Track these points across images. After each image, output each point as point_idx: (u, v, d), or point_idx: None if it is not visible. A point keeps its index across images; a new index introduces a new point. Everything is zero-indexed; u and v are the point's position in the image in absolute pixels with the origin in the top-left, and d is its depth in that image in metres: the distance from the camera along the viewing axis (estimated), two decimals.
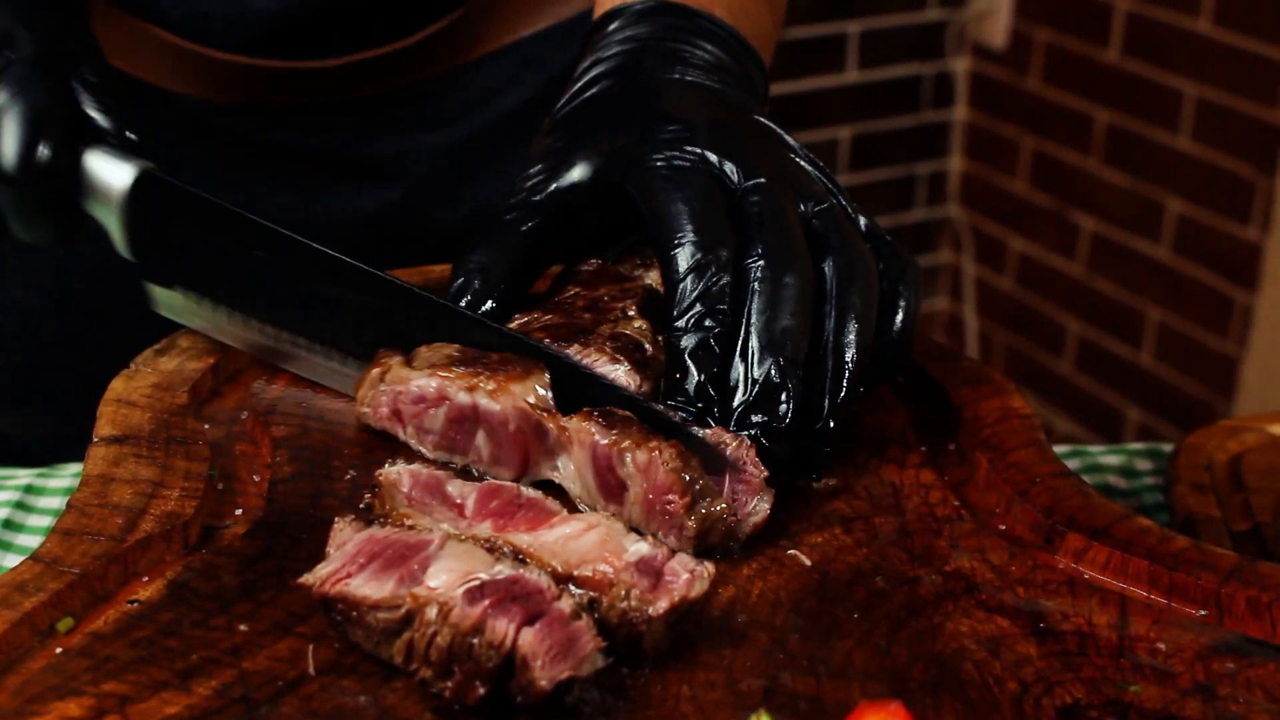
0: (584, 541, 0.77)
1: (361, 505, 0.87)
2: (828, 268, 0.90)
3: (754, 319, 0.87)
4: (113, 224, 0.96)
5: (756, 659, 0.76)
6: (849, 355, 0.89)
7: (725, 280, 0.87)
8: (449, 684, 0.70)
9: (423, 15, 1.24)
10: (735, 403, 0.86)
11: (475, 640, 0.70)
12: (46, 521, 1.02)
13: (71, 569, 0.79)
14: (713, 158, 0.92)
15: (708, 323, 0.86)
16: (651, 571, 0.76)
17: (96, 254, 1.00)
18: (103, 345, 0.98)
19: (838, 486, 0.91)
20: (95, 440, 0.90)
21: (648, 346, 0.91)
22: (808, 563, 0.83)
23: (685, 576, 0.75)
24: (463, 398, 0.88)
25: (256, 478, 0.90)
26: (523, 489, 0.82)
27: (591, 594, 0.74)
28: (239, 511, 0.87)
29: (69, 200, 0.95)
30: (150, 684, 0.72)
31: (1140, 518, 0.88)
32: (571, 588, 0.75)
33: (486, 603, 0.71)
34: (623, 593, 0.74)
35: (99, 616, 0.78)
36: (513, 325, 0.93)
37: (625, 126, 0.94)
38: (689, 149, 0.91)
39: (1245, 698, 0.76)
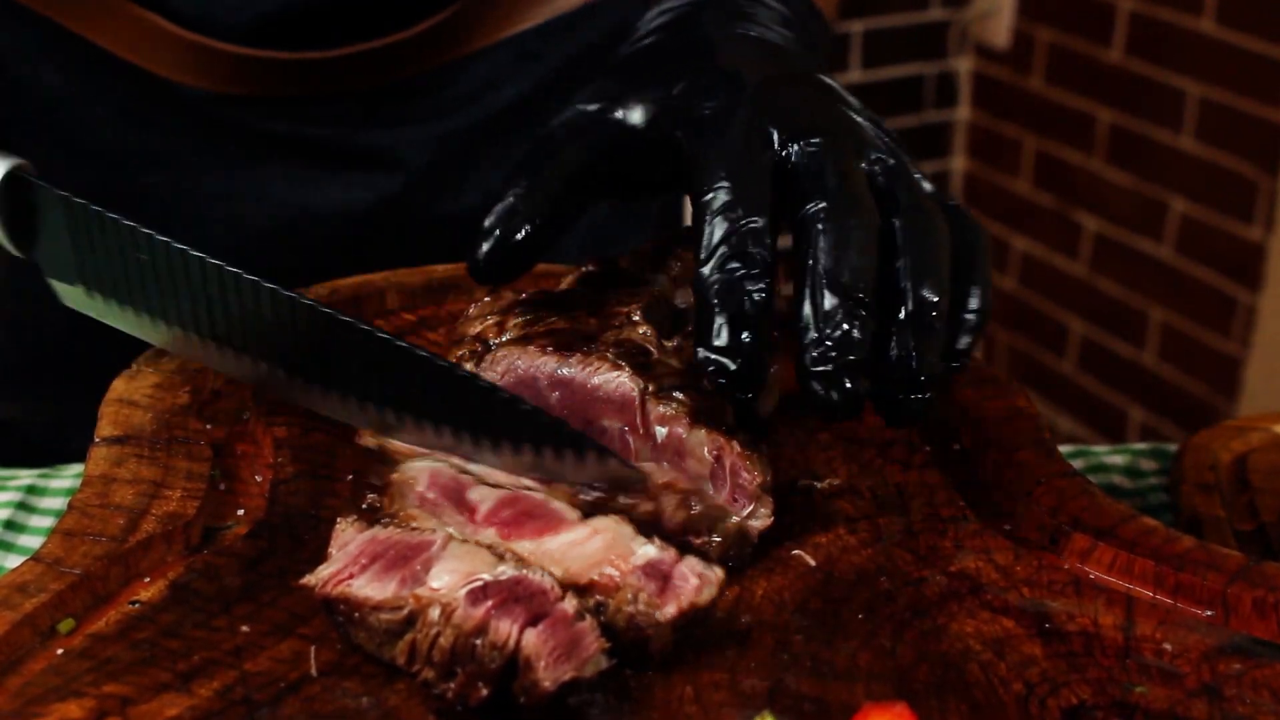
0: (588, 547, 0.76)
1: (364, 506, 0.86)
2: (896, 224, 0.85)
3: (820, 258, 0.81)
4: None
5: (761, 660, 0.76)
6: (934, 301, 0.83)
7: (758, 223, 0.82)
8: (451, 685, 0.70)
9: (425, 5, 1.24)
10: (806, 340, 0.80)
11: (478, 641, 0.69)
12: (48, 522, 1.02)
13: (73, 570, 0.78)
14: (763, 115, 0.87)
15: (732, 265, 0.82)
16: (659, 575, 0.75)
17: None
18: (109, 335, 0.97)
19: (842, 486, 0.91)
20: (96, 440, 0.90)
21: (652, 350, 0.89)
22: (812, 563, 0.83)
23: (694, 581, 0.74)
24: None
25: (259, 478, 0.90)
26: (536, 495, 0.81)
27: (598, 598, 0.74)
28: (241, 512, 0.87)
29: None
30: (151, 685, 0.72)
31: (1146, 518, 0.87)
32: (572, 594, 0.73)
33: (489, 604, 0.70)
34: (630, 596, 0.73)
35: (100, 617, 0.77)
36: (518, 324, 0.92)
37: (679, 77, 0.91)
38: (739, 107, 0.88)
39: (1251, 699, 0.76)
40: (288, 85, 1.23)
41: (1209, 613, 0.82)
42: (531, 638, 0.69)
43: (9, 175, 0.94)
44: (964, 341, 0.86)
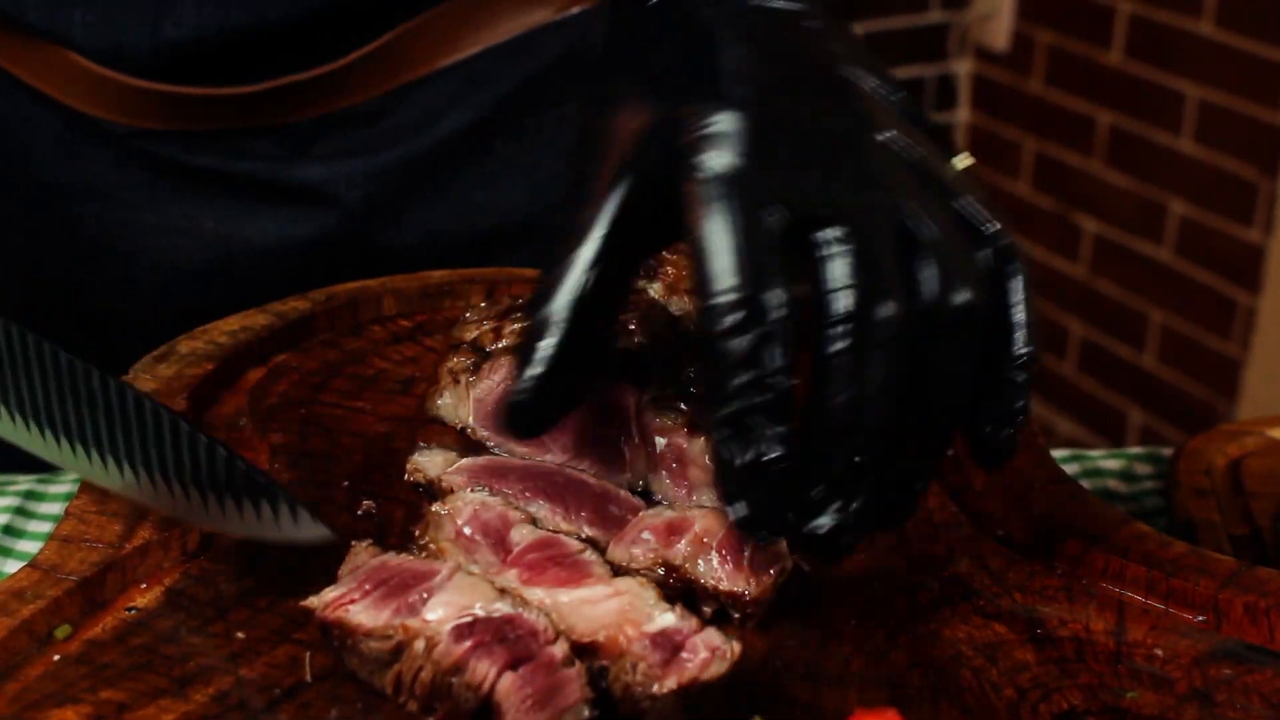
0: (603, 607, 0.73)
1: (360, 512, 0.87)
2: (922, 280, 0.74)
3: (835, 414, 0.72)
4: None
5: (754, 665, 0.76)
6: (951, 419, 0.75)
7: (772, 331, 0.70)
8: None
9: (347, 40, 1.19)
10: (807, 491, 0.73)
11: (454, 680, 0.69)
12: (47, 528, 1.03)
13: (70, 576, 0.79)
14: (769, 178, 0.74)
15: (754, 420, 0.71)
16: (669, 645, 0.71)
17: (95, 259, 1.00)
18: (98, 349, 0.97)
19: None
20: None
21: (648, 362, 0.90)
22: (805, 569, 0.83)
23: (703, 655, 0.70)
24: None
25: None
26: (575, 545, 0.78)
27: (601, 662, 0.71)
28: None
29: None
30: (148, 691, 0.72)
31: (1138, 523, 0.88)
32: (564, 639, 0.71)
33: (470, 642, 0.69)
34: (629, 665, 0.70)
35: (97, 624, 0.78)
36: (514, 330, 0.92)
37: (672, 90, 0.78)
38: (738, 160, 0.73)
39: (1242, 704, 0.76)
40: (206, 120, 1.20)
41: (1201, 618, 0.82)
42: (507, 681, 0.68)
43: None
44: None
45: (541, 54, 1.27)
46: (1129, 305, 3.48)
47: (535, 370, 0.77)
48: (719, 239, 0.71)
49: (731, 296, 0.70)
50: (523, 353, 0.78)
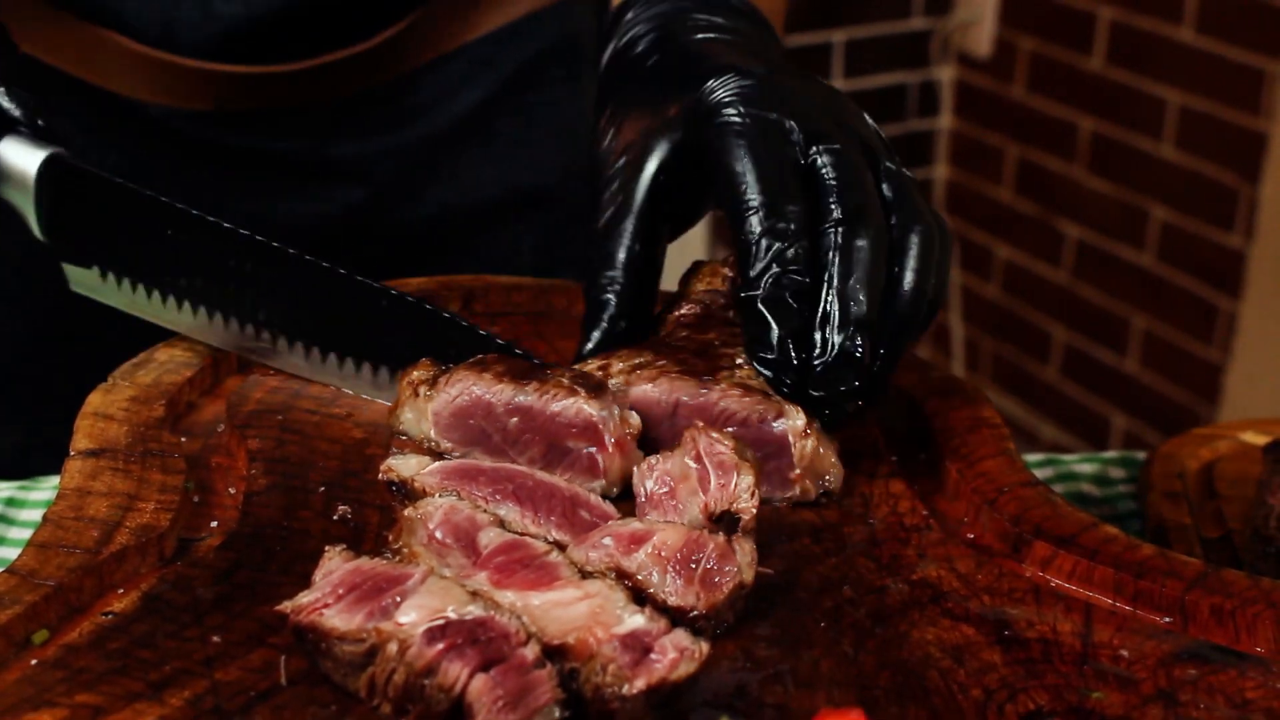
0: (573, 609, 0.74)
1: (335, 517, 0.88)
2: (894, 226, 0.92)
3: (834, 283, 0.89)
4: (27, 207, 0.99)
5: (724, 668, 0.77)
6: (912, 316, 0.92)
7: (800, 244, 0.89)
8: None
9: (382, 17, 1.25)
10: (815, 363, 0.89)
11: (427, 681, 0.69)
12: (27, 534, 1.03)
13: (47, 581, 0.79)
14: (782, 112, 0.92)
15: (785, 280, 0.89)
16: (638, 647, 0.72)
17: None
18: (75, 357, 0.99)
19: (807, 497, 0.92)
20: (72, 454, 0.91)
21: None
22: (770, 572, 0.84)
23: (672, 656, 0.71)
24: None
25: (232, 490, 0.91)
26: (542, 547, 0.79)
27: (570, 664, 0.72)
28: (214, 524, 0.88)
29: None
30: (123, 695, 0.73)
31: (1107, 526, 0.89)
32: (535, 641, 0.72)
33: (442, 644, 0.70)
34: (599, 667, 0.71)
35: (74, 628, 0.78)
36: (629, 366, 0.94)
37: (685, 87, 0.96)
38: (756, 101, 0.92)
39: (1206, 704, 0.77)
40: (250, 99, 1.24)
41: (1168, 619, 0.83)
42: (479, 683, 0.69)
43: (49, 160, 0.98)
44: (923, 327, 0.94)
45: (539, 38, 1.35)
46: (1111, 310, 3.49)
47: (601, 328, 0.96)
48: (748, 165, 0.90)
49: (760, 203, 0.90)
50: (589, 312, 0.96)
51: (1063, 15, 3.45)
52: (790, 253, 0.89)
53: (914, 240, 0.92)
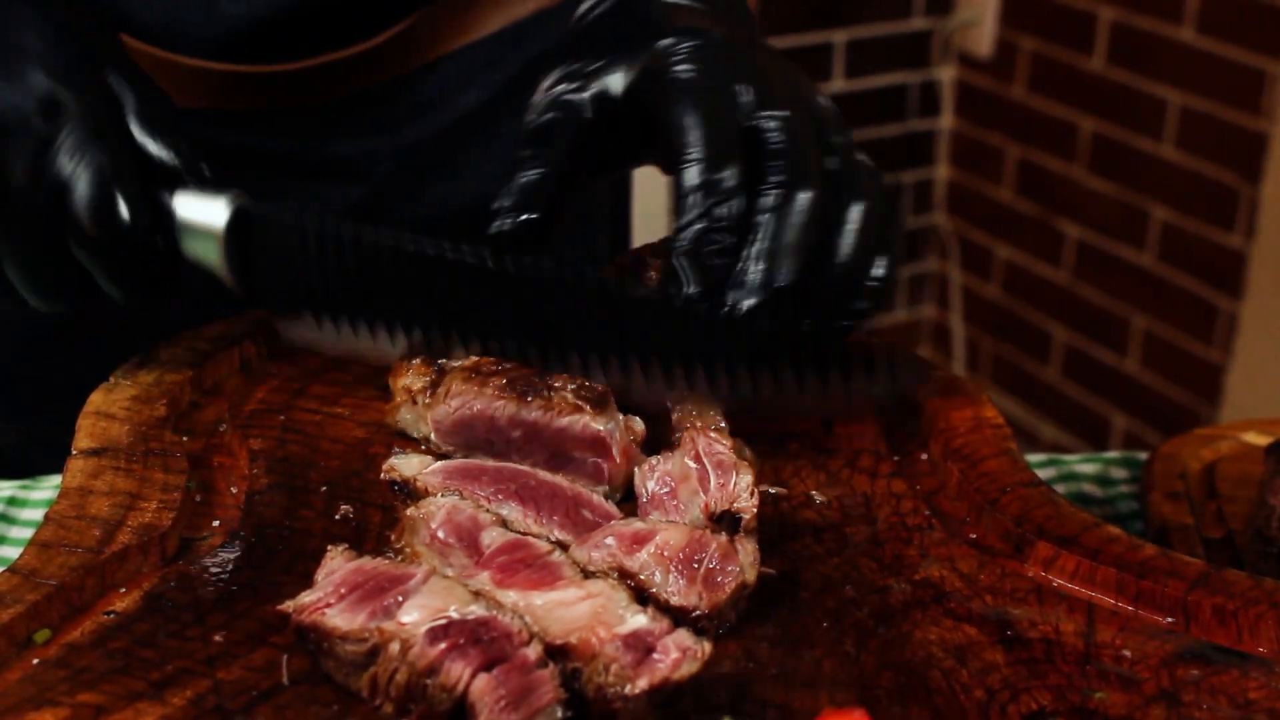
0: (575, 609, 0.74)
1: (337, 516, 0.88)
2: (836, 199, 0.93)
3: (758, 244, 0.90)
4: (215, 262, 0.94)
5: (726, 668, 0.77)
6: (846, 290, 0.93)
7: (732, 203, 0.90)
8: None
9: (385, 17, 1.25)
10: (744, 302, 0.90)
11: (429, 681, 0.69)
12: (29, 534, 1.03)
13: (49, 581, 0.79)
14: (732, 77, 0.94)
15: (709, 237, 0.90)
16: (641, 647, 0.72)
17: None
18: (78, 356, 0.98)
19: (809, 497, 0.92)
20: (74, 453, 0.91)
21: None
22: (773, 572, 0.84)
23: (674, 655, 0.71)
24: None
25: (234, 489, 0.91)
26: (544, 546, 0.79)
27: (573, 664, 0.72)
28: (216, 523, 0.88)
29: (161, 251, 0.93)
30: (125, 694, 0.73)
31: (1109, 526, 0.89)
32: (538, 640, 0.72)
33: (445, 644, 0.70)
34: (602, 666, 0.71)
35: (76, 628, 0.78)
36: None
37: (643, 45, 0.96)
38: (709, 66, 0.94)
39: (1209, 704, 0.77)
40: (251, 99, 1.24)
41: (1170, 620, 0.83)
42: (481, 683, 0.69)
43: (236, 214, 0.93)
44: (864, 303, 0.95)
45: (543, 38, 1.33)
46: (1111, 311, 3.49)
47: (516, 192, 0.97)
48: (694, 121, 0.92)
49: (700, 156, 0.91)
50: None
51: (1063, 15, 3.45)
52: (722, 210, 0.90)
53: (853, 214, 0.93)
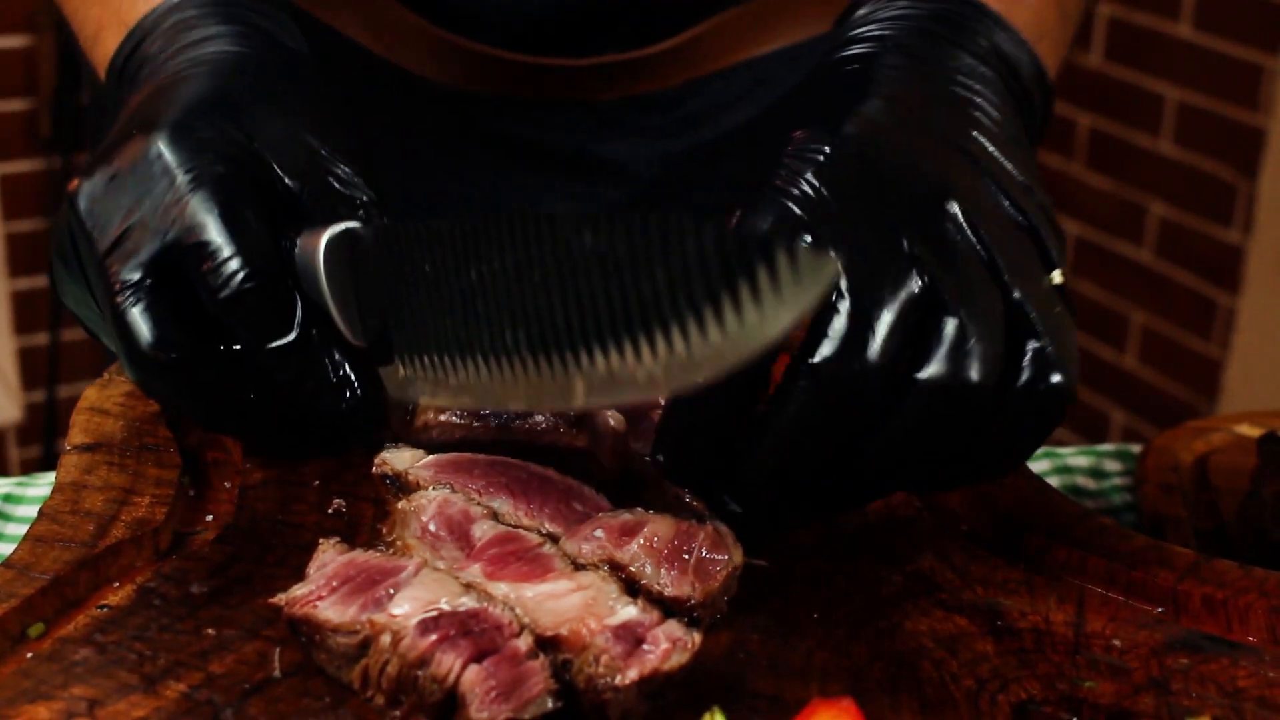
0: (566, 601, 0.74)
1: (329, 510, 0.88)
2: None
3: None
4: (323, 295, 0.82)
5: (717, 659, 0.77)
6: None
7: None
8: (398, 714, 0.71)
9: (662, 27, 1.25)
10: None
11: (420, 673, 0.70)
12: (23, 530, 1.03)
13: (43, 575, 0.80)
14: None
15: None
16: (631, 638, 0.72)
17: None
18: None
19: None
20: (68, 448, 0.91)
21: None
22: (765, 563, 0.84)
23: (664, 646, 0.71)
24: None
25: (227, 484, 0.91)
26: (535, 539, 0.79)
27: (563, 655, 0.72)
28: (209, 518, 0.88)
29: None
30: (118, 687, 0.73)
31: (1100, 517, 0.89)
32: (528, 632, 0.72)
33: (435, 636, 0.70)
34: (592, 657, 0.71)
35: (69, 622, 0.79)
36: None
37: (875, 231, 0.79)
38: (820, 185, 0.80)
39: (1198, 692, 0.77)
40: (533, 89, 1.25)
41: (1160, 609, 0.84)
42: (471, 674, 0.69)
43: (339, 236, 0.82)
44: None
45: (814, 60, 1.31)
46: (1110, 306, 3.49)
47: None
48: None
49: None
50: None
51: None
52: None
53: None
